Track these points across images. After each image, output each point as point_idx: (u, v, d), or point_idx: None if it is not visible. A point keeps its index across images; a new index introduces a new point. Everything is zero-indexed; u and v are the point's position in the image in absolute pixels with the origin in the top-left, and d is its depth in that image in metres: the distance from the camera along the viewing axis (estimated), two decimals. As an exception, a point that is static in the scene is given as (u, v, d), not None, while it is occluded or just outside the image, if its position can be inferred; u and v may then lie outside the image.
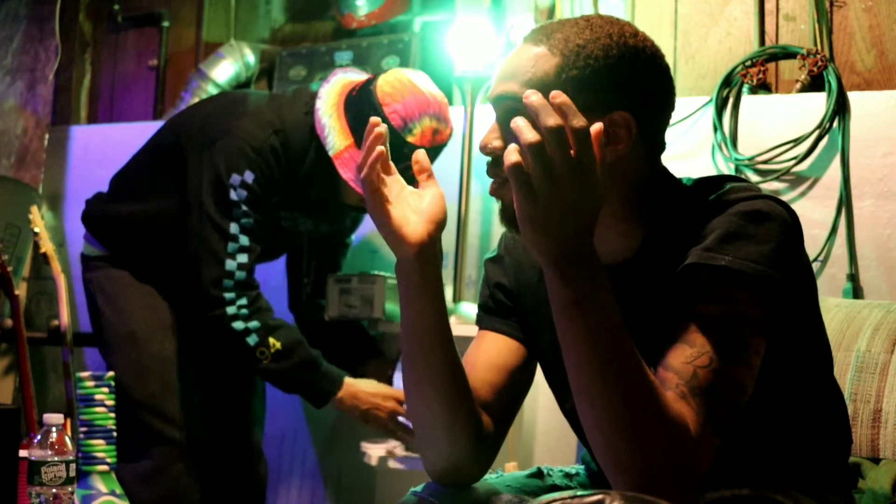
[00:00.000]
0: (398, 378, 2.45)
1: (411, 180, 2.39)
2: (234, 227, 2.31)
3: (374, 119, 1.27)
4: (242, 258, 2.31)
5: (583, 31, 1.25)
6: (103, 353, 2.56)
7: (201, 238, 2.33)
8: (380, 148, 1.25)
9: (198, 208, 2.33)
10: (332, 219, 2.56)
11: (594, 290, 1.13)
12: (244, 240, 2.31)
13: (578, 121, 1.09)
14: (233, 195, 2.31)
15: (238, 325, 2.29)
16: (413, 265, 1.26)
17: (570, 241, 1.11)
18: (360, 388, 2.39)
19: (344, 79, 2.42)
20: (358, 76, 2.45)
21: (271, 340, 2.31)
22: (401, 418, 2.38)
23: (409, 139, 2.26)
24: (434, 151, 2.32)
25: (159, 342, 2.46)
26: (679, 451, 1.12)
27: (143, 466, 2.40)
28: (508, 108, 1.26)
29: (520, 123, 1.10)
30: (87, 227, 2.58)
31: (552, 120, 1.09)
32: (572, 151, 1.09)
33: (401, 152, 2.23)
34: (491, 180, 1.30)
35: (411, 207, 1.28)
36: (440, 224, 1.28)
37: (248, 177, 2.32)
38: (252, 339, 2.30)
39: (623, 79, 1.24)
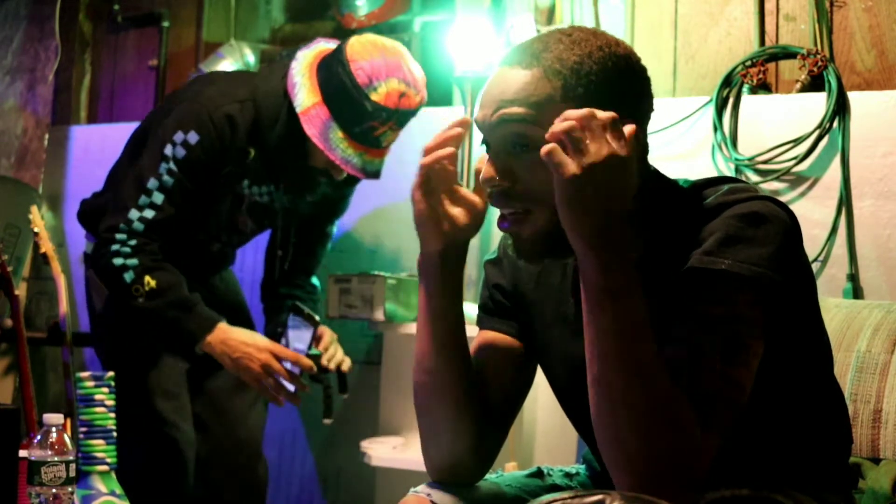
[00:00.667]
0: (291, 338, 2.41)
1: (375, 142, 2.36)
2: (152, 182, 2.30)
3: (461, 119, 1.30)
4: (148, 213, 2.30)
5: (572, 48, 1.24)
6: (98, 350, 2.55)
7: (121, 185, 2.35)
8: (450, 148, 1.29)
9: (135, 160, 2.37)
10: (306, 189, 2.50)
11: (629, 282, 1.14)
12: (158, 197, 2.30)
13: (606, 112, 1.14)
14: (167, 150, 2.30)
15: (117, 261, 2.28)
16: (435, 262, 1.31)
17: (608, 224, 1.13)
18: (234, 335, 2.33)
19: (324, 45, 2.42)
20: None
21: (147, 278, 2.28)
22: (282, 380, 2.32)
23: (373, 97, 2.24)
24: (400, 116, 2.29)
25: (146, 335, 2.43)
26: (684, 450, 1.12)
27: (134, 465, 2.40)
28: (513, 130, 1.23)
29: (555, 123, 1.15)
30: (82, 225, 2.58)
31: (580, 112, 1.14)
32: (608, 136, 1.13)
33: (363, 110, 2.23)
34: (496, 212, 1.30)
35: (452, 206, 1.31)
36: (471, 230, 1.32)
37: (192, 137, 2.30)
38: (129, 276, 2.28)
39: (621, 89, 1.24)
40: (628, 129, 1.15)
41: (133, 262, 2.28)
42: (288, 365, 2.32)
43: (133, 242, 2.29)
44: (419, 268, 1.33)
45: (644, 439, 1.12)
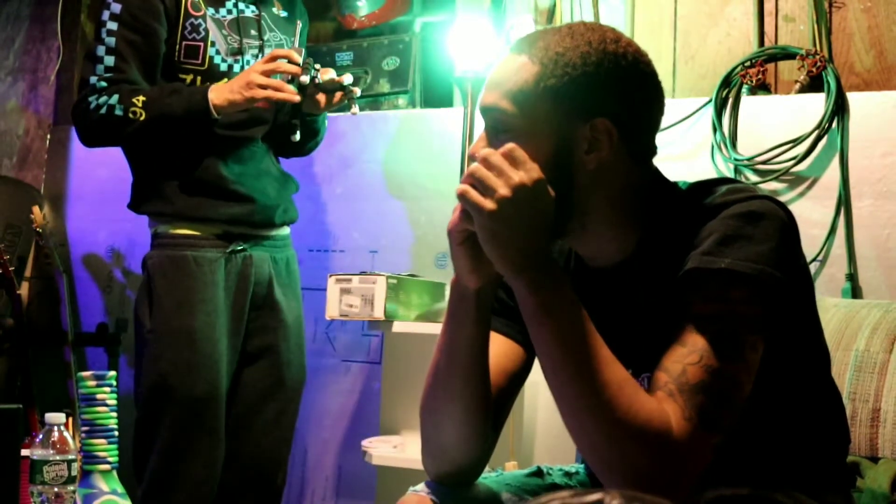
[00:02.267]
0: None
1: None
2: (100, 49, 2.41)
3: None
4: (107, 74, 2.39)
5: (563, 39, 1.26)
6: (150, 339, 2.42)
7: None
8: None
9: None
10: None
11: (560, 294, 1.17)
12: (109, 60, 2.40)
13: (503, 148, 1.20)
14: (104, 16, 2.42)
15: (102, 110, 2.36)
16: (470, 297, 1.29)
17: (531, 248, 1.18)
18: (225, 83, 2.39)
19: None
20: None
21: (134, 100, 2.36)
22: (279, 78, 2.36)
23: None
24: None
25: (215, 342, 2.42)
26: (659, 448, 1.12)
27: (163, 467, 2.38)
28: (492, 119, 1.29)
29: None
30: (136, 208, 2.55)
31: (467, 172, 1.20)
32: (510, 168, 1.18)
33: None
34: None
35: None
36: None
37: None
38: (119, 110, 2.36)
39: (602, 86, 1.25)
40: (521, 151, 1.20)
41: (114, 98, 2.37)
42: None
43: (105, 93, 2.37)
44: (452, 293, 1.30)
45: (614, 445, 1.13)
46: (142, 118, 2.34)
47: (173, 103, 2.35)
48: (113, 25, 2.40)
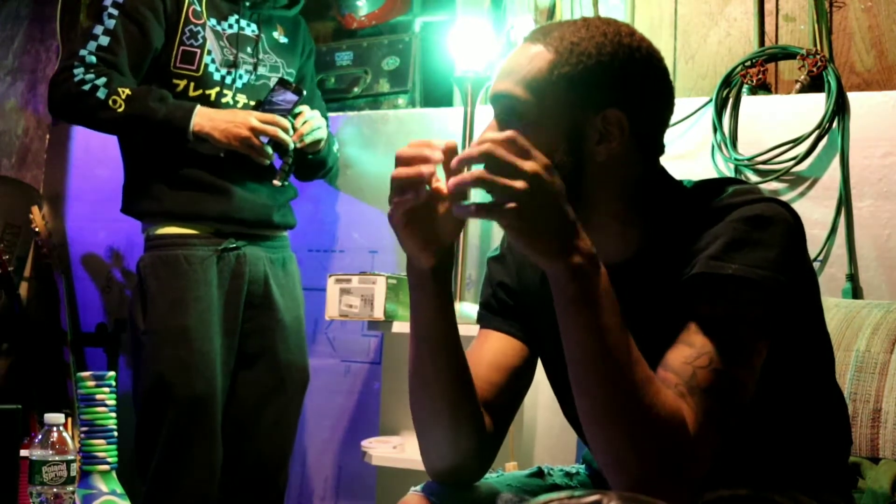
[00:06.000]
0: None
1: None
2: (97, 28, 2.42)
3: (448, 144, 1.20)
4: (98, 52, 2.40)
5: (579, 30, 1.26)
6: (146, 340, 2.42)
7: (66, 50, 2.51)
8: (428, 167, 1.20)
9: None
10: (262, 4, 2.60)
11: (600, 283, 1.14)
12: (104, 39, 2.41)
13: (497, 136, 1.11)
14: (106, 1, 2.45)
15: (86, 86, 2.37)
16: (427, 276, 1.26)
17: (561, 231, 1.11)
18: (216, 112, 2.42)
19: None
20: None
21: (119, 89, 2.37)
22: (263, 138, 2.42)
23: None
24: None
25: (210, 340, 2.42)
26: (676, 448, 1.12)
27: (166, 467, 2.38)
28: (505, 106, 1.27)
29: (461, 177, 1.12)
30: (127, 209, 2.56)
31: (476, 149, 1.10)
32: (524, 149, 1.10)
33: None
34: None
35: (435, 217, 1.23)
36: (458, 230, 1.26)
37: None
38: (102, 93, 2.37)
39: (615, 77, 1.25)
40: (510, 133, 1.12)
41: (102, 80, 2.37)
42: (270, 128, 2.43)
43: (93, 70, 2.38)
44: (410, 276, 1.28)
45: (632, 442, 1.12)
46: (120, 110, 2.35)
47: (156, 108, 2.36)
48: (115, 12, 2.43)
